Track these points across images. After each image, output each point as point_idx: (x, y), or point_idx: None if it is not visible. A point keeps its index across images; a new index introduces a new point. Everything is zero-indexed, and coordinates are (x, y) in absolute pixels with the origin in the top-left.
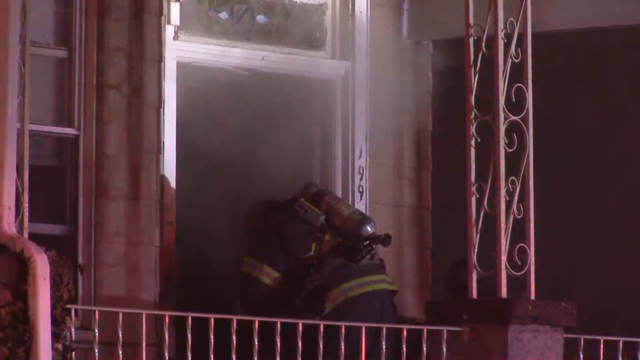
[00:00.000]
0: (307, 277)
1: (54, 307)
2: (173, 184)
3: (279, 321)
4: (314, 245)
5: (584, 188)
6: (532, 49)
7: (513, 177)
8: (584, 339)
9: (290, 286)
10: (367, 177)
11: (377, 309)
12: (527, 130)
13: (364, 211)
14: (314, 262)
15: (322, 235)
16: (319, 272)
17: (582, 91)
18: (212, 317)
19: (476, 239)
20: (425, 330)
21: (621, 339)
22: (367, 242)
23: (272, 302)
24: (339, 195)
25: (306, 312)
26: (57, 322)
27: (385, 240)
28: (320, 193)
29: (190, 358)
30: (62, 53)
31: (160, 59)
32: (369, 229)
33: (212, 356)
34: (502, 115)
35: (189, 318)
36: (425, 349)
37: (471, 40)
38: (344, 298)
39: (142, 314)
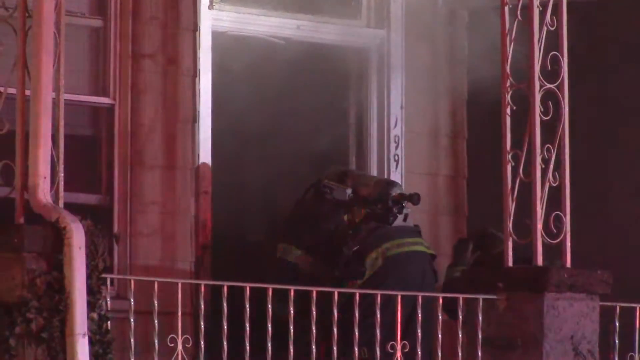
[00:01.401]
0: (344, 245)
1: (89, 276)
2: (208, 153)
3: (314, 290)
4: (346, 217)
5: (621, 156)
6: (568, 17)
7: (549, 145)
8: (620, 307)
9: (329, 258)
10: (403, 146)
11: (418, 272)
12: (563, 98)
13: (399, 180)
14: (349, 230)
15: (351, 208)
16: (355, 237)
17: (619, 58)
18: (247, 286)
19: (512, 207)
20: (461, 298)
21: None
22: (396, 200)
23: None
24: (375, 164)
25: (347, 279)
26: (93, 292)
27: (413, 197)
28: (345, 171)
29: (226, 327)
30: (97, 22)
31: (195, 28)
32: (396, 189)
33: (247, 325)
34: (537, 84)
35: (225, 287)
36: (461, 316)
37: (507, 9)
38: (384, 259)
39: (177, 283)
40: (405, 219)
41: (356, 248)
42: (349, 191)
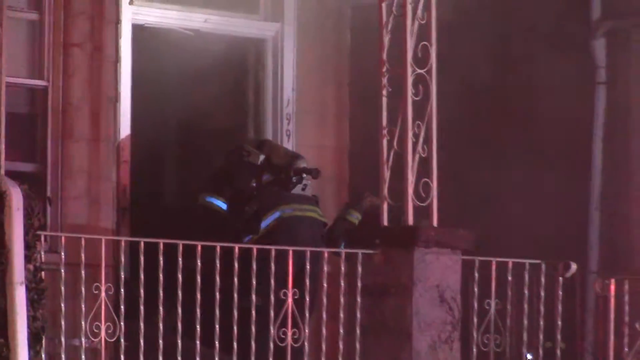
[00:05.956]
0: (247, 204)
1: (26, 233)
2: (128, 128)
3: (218, 245)
4: (253, 180)
5: (483, 130)
6: (437, 11)
7: (419, 122)
8: (479, 260)
9: (234, 214)
10: (294, 122)
11: (307, 235)
12: (431, 81)
13: None
14: (254, 192)
15: (261, 172)
16: (257, 198)
17: (481, 44)
18: (161, 241)
19: (387, 174)
20: (343, 253)
21: (510, 260)
22: (298, 171)
23: (225, 229)
24: (270, 137)
25: (245, 234)
26: (29, 246)
27: (313, 172)
28: (264, 141)
29: (142, 278)
30: (34, 16)
31: (117, 21)
32: (300, 163)
33: (161, 275)
34: (409, 69)
35: (142, 243)
36: (343, 269)
37: (384, 5)
38: (278, 219)
39: (101, 239)
40: (304, 189)
41: (257, 208)
42: (262, 157)
